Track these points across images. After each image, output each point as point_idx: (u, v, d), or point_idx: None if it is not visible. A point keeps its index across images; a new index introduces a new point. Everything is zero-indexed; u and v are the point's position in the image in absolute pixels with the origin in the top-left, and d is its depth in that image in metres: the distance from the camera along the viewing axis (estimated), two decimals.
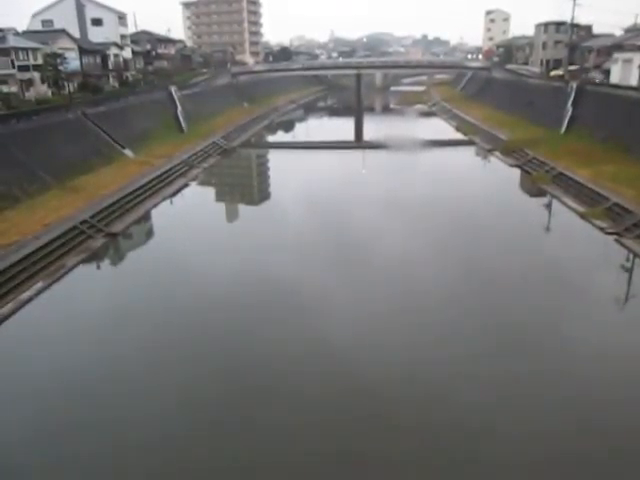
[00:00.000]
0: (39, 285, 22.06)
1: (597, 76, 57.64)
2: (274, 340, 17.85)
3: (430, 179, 41.79)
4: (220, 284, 22.57)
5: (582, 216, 29.59)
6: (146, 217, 33.16)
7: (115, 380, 16.16)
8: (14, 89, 45.24)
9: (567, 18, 66.69)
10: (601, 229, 27.29)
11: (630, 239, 25.46)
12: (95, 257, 26.30)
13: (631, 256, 24.39)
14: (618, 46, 55.64)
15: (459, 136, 60.94)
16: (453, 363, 16.37)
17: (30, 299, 20.97)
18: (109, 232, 28.55)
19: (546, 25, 77.78)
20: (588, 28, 74.73)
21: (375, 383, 15.55)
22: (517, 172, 41.97)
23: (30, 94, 46.90)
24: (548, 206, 33.49)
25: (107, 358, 17.33)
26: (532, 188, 37.63)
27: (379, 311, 19.88)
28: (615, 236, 26.17)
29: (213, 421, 14.34)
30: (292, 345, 17.61)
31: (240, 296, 21.38)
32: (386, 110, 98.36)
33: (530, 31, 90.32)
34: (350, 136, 67.54)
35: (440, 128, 68.70)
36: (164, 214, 34.41)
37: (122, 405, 14.88)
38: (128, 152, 43.92)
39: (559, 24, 74.46)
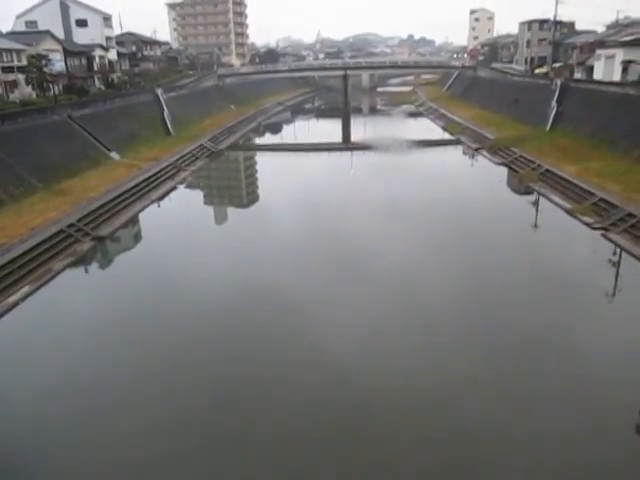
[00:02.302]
0: (26, 289, 21.79)
1: None
2: (265, 349, 17.48)
3: (418, 179, 41.92)
4: (208, 289, 22.40)
5: (569, 212, 29.83)
6: (134, 220, 32.90)
7: (102, 389, 15.82)
8: None
9: (550, 15, 67.57)
10: (588, 225, 27.55)
11: (616, 234, 25.71)
12: (82, 261, 26.04)
13: (617, 250, 24.63)
14: (601, 42, 56.35)
15: (446, 136, 61.20)
16: (454, 366, 16.25)
17: (16, 303, 20.71)
18: (96, 235, 28.28)
19: (530, 23, 78.60)
20: (571, 25, 75.64)
21: (374, 392, 15.37)
22: (504, 171, 42.19)
23: (14, 96, 46.49)
24: (535, 203, 33.72)
25: (94, 365, 17.08)
26: (519, 186, 37.85)
27: (373, 315, 19.61)
28: (602, 231, 26.43)
29: (206, 436, 13.93)
30: (284, 354, 17.34)
31: (228, 301, 21.19)
32: (373, 111, 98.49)
33: (514, 29, 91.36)
34: (338, 137, 67.62)
35: (427, 128, 68.96)
36: (152, 217, 34.18)
37: (109, 416, 14.53)
38: (115, 155, 43.59)
39: (543, 22, 75.31)
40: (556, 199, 32.48)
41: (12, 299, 20.87)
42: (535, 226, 29.93)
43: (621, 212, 27.02)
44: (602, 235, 26.07)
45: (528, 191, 36.10)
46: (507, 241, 27.41)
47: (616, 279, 22.37)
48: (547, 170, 37.03)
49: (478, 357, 16.78)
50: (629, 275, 22.69)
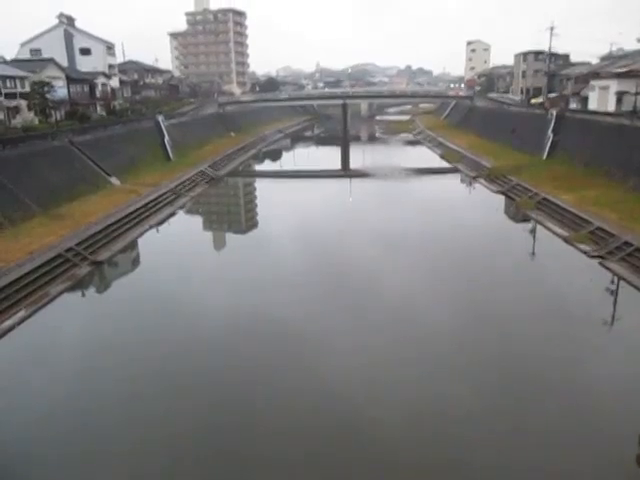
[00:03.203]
0: (21, 313, 21.69)
1: None
2: (261, 383, 17.11)
3: (417, 207, 42.08)
4: (205, 316, 22.29)
5: (566, 240, 29.94)
6: (132, 245, 32.91)
7: (93, 417, 15.55)
8: (0, 116, 45.26)
9: (545, 47, 68.81)
10: (585, 253, 27.63)
11: (614, 262, 25.78)
12: (80, 285, 25.97)
13: (615, 279, 24.64)
14: (595, 74, 57.24)
15: (444, 164, 61.71)
16: (455, 399, 16.04)
17: (12, 327, 20.60)
18: (94, 260, 28.28)
19: (525, 55, 79.95)
20: (565, 57, 76.94)
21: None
22: (502, 199, 42.50)
23: (16, 121, 46.96)
24: (533, 231, 33.85)
25: (87, 391, 16.89)
26: (517, 214, 38.09)
27: (373, 349, 19.27)
28: (599, 259, 26.49)
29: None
30: (282, 385, 17.10)
31: (224, 329, 21.05)
32: (372, 139, 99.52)
33: (510, 60, 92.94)
34: (337, 165, 68.11)
35: (425, 156, 69.59)
36: (151, 242, 34.19)
37: (102, 450, 14.25)
38: (115, 180, 43.87)
39: (537, 53, 76.57)
40: (553, 227, 32.64)
41: (7, 323, 20.76)
42: (533, 254, 29.97)
43: (618, 241, 27.13)
44: (600, 264, 26.12)
45: (525, 219, 36.29)
46: (506, 270, 27.37)
47: (615, 308, 22.32)
48: (544, 198, 37.29)
49: (479, 389, 16.63)
50: (628, 304, 22.65)
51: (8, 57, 62.27)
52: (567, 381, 17.03)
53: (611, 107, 49.08)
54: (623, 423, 14.79)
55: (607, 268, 25.55)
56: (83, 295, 25.72)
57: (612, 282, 24.51)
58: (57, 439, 14.77)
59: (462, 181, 52.40)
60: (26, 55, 65.65)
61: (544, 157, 48.89)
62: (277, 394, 16.42)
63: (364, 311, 22.43)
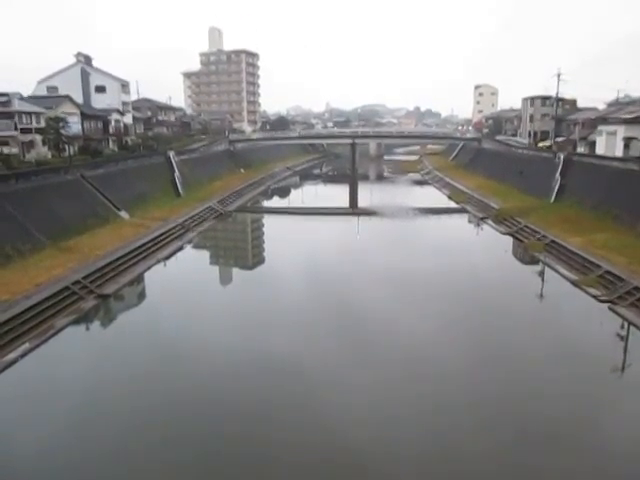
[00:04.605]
0: (26, 346, 21.59)
1: None
2: (268, 436, 16.31)
3: (424, 247, 42.02)
4: (210, 355, 22.01)
5: (575, 284, 29.66)
6: (139, 279, 32.93)
7: (90, 460, 15.14)
8: (15, 150, 46.08)
9: (552, 92, 69.86)
10: (594, 297, 27.31)
11: (624, 307, 25.44)
12: (85, 318, 25.90)
13: (625, 324, 24.26)
14: (602, 119, 57.86)
15: (452, 204, 61.89)
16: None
17: (15, 360, 20.47)
18: (101, 293, 28.26)
19: (532, 99, 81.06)
20: (573, 102, 77.85)
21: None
22: (509, 240, 42.38)
23: (30, 155, 47.77)
24: (542, 274, 33.60)
25: (87, 431, 16.59)
26: (525, 256, 37.91)
27: (382, 402, 18.67)
28: (609, 304, 26.16)
29: None
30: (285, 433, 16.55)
31: (228, 371, 20.66)
32: (380, 178, 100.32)
33: (518, 103, 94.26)
34: (345, 203, 68.53)
35: (433, 196, 69.90)
36: (158, 277, 34.19)
37: None
38: (124, 214, 44.26)
39: (545, 98, 77.58)
40: (562, 270, 32.39)
41: (11, 356, 20.64)
42: (542, 297, 29.66)
43: (628, 285, 26.85)
44: (609, 308, 25.78)
45: (534, 261, 36.11)
46: (516, 314, 27.02)
47: (625, 354, 21.92)
48: (552, 241, 37.17)
49: (491, 442, 16.22)
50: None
51: (25, 94, 63.67)
52: (575, 425, 16.72)
53: (619, 152, 49.39)
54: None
55: (617, 313, 25.21)
56: (87, 328, 25.62)
57: (622, 327, 24.16)
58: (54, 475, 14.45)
59: (470, 221, 52.41)
60: (43, 92, 67.11)
61: (552, 200, 49.01)
62: (284, 441, 16.07)
63: (372, 353, 22.14)
